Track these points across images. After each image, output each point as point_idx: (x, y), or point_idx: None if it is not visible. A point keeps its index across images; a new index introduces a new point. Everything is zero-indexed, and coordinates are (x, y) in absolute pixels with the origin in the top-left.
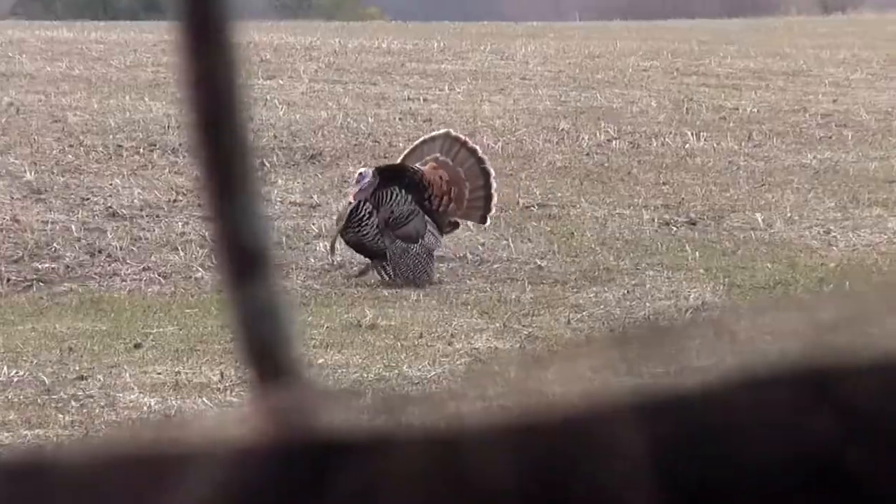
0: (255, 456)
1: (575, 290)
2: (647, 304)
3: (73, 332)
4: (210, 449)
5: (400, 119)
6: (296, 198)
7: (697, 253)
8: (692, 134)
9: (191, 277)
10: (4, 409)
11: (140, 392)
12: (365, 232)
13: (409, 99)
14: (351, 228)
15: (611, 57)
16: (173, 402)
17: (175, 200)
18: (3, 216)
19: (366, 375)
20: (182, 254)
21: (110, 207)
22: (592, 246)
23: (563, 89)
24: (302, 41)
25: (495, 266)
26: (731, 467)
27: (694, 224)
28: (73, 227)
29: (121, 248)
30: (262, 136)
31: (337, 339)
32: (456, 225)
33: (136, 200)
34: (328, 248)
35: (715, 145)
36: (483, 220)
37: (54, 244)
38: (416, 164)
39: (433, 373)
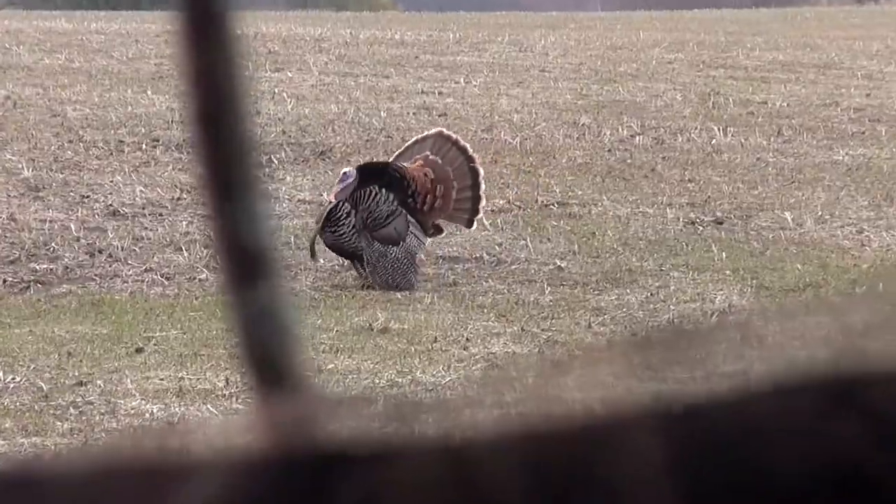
0: (258, 465)
1: (596, 292)
2: (672, 307)
3: (72, 335)
4: (212, 458)
5: (414, 114)
6: (305, 195)
7: (724, 253)
8: (719, 129)
9: (195, 279)
10: (0, 417)
11: (142, 399)
12: (341, 232)
13: (423, 92)
14: (328, 229)
15: (634, 49)
16: (177, 409)
17: (179, 198)
18: None
19: (377, 381)
20: (186, 254)
21: (111, 206)
22: (614, 246)
23: (584, 82)
24: (311, 32)
25: (513, 267)
26: (754, 474)
27: (720, 223)
28: (72, 226)
29: (122, 249)
30: (269, 131)
31: (347, 343)
32: (440, 229)
33: (138, 198)
34: (308, 249)
35: (742, 141)
36: (469, 224)
37: (53, 244)
38: (406, 163)
39: (448, 378)
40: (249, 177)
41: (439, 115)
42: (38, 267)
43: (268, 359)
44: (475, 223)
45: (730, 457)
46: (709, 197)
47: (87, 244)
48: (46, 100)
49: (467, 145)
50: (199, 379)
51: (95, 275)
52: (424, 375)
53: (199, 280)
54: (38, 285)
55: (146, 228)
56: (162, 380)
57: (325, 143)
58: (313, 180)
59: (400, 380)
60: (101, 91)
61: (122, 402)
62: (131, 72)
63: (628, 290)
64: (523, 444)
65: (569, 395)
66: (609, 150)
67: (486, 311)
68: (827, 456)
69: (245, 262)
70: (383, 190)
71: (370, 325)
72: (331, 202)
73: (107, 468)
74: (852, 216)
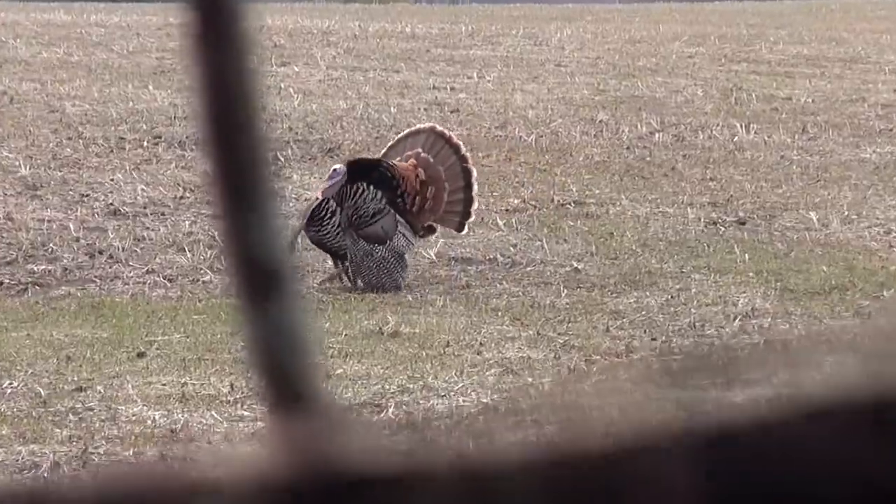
0: (273, 488)
1: (614, 294)
2: (693, 311)
3: (72, 339)
4: (226, 481)
5: (425, 109)
6: (312, 194)
7: (747, 255)
8: (741, 126)
9: (198, 281)
10: None
11: (143, 405)
12: (325, 231)
13: (434, 87)
14: (312, 226)
15: (653, 42)
16: (179, 415)
17: (181, 197)
18: None
19: (387, 387)
20: (189, 255)
21: (111, 205)
22: (633, 247)
23: (602, 77)
24: (319, 25)
25: (528, 269)
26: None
27: (743, 224)
28: (71, 226)
29: (123, 249)
30: (276, 128)
31: (357, 347)
32: (432, 230)
33: (139, 197)
34: (288, 244)
35: (766, 138)
36: (460, 228)
37: (51, 244)
38: (396, 160)
39: (461, 384)
40: (264, 187)
41: (451, 111)
42: (35, 268)
43: (283, 376)
44: (466, 227)
45: (762, 485)
46: (731, 196)
47: (87, 245)
48: (44, 95)
49: (460, 143)
50: (202, 384)
51: (95, 276)
52: (436, 381)
53: (203, 282)
54: (36, 287)
55: (148, 228)
56: (164, 385)
57: (333, 141)
58: (321, 178)
59: (411, 385)
60: (100, 86)
61: (122, 408)
62: (132, 66)
63: (648, 293)
64: (546, 469)
65: (593, 414)
66: (627, 148)
67: (500, 314)
68: (862, 480)
69: (259, 277)
70: (371, 187)
71: (380, 328)
72: (317, 199)
73: (115, 495)
74: (880, 216)
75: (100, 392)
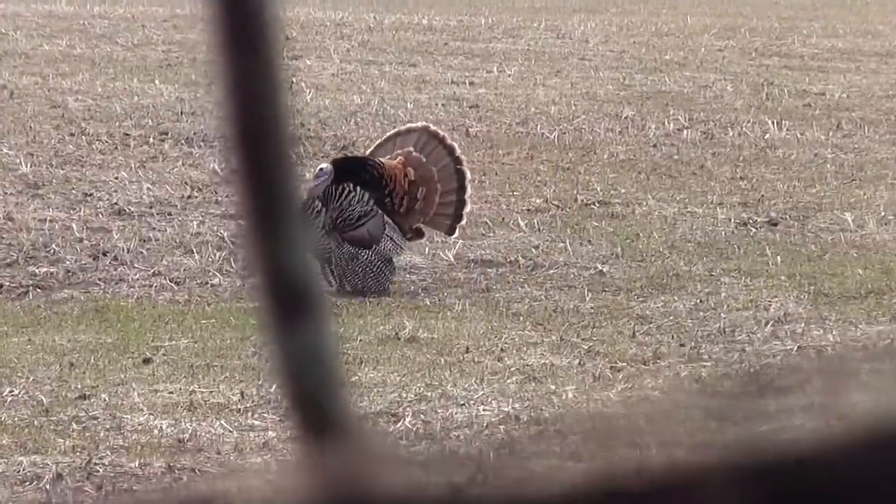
0: None
1: (641, 298)
2: (723, 316)
3: (75, 345)
4: None
5: (443, 105)
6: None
7: (779, 257)
8: (773, 122)
9: (207, 284)
10: None
11: (150, 413)
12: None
13: (452, 82)
14: None
15: (681, 35)
16: (187, 424)
17: (189, 197)
18: None
19: (405, 395)
20: (197, 257)
21: (116, 204)
22: (660, 249)
23: (627, 72)
24: (332, 16)
25: (551, 271)
26: None
27: (775, 224)
28: (74, 226)
29: (128, 251)
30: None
31: (372, 353)
32: (421, 233)
33: (144, 196)
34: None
35: (799, 135)
36: (451, 231)
37: (53, 245)
38: (385, 158)
39: (481, 392)
40: (293, 206)
41: (470, 107)
42: (37, 270)
43: (314, 402)
44: (458, 230)
45: None
46: (762, 196)
47: (91, 246)
48: (46, 89)
49: (455, 144)
50: (211, 392)
51: (99, 279)
52: (455, 389)
53: (212, 285)
54: (38, 290)
55: (154, 229)
56: (171, 393)
57: (346, 137)
58: None
59: (429, 393)
60: (104, 80)
61: (128, 416)
62: (137, 59)
63: (675, 297)
64: (592, 501)
65: (640, 441)
66: (654, 146)
67: (521, 319)
68: None
69: (290, 299)
70: (358, 188)
71: (397, 333)
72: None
73: None
74: None
75: (104, 400)
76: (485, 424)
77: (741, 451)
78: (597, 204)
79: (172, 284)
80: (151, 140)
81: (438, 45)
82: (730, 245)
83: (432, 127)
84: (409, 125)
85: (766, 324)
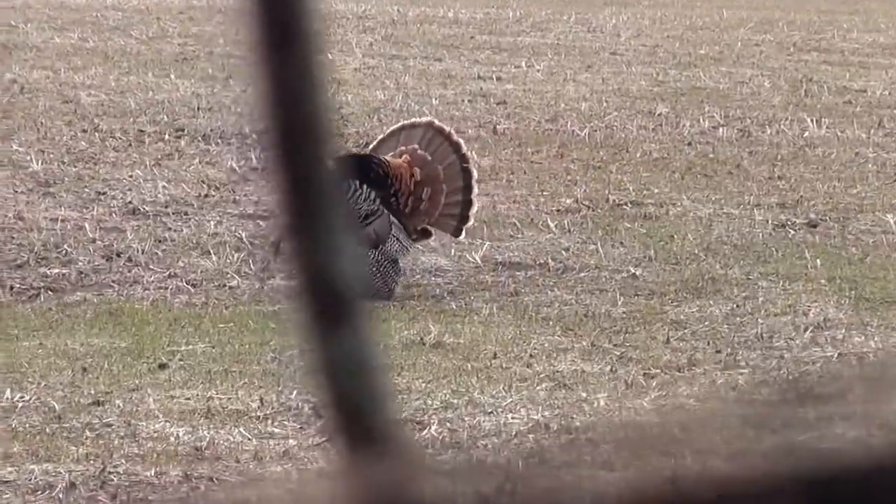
0: None
1: (675, 303)
2: (760, 321)
3: (88, 349)
4: None
5: (469, 101)
6: None
7: (818, 260)
8: (812, 120)
9: (224, 286)
10: (8, 440)
11: (166, 420)
12: None
13: (479, 77)
14: None
15: (716, 29)
16: (205, 432)
17: (206, 195)
18: (5, 213)
19: (430, 402)
20: (214, 258)
21: (130, 203)
22: (695, 251)
23: (661, 67)
24: (354, 9)
25: (581, 274)
26: None
27: (814, 226)
28: (87, 226)
29: (143, 251)
30: None
31: (396, 359)
32: (427, 234)
33: (160, 195)
34: (272, 250)
35: (839, 133)
36: (457, 233)
37: (65, 246)
38: (389, 155)
39: (509, 400)
40: (335, 210)
41: (497, 103)
42: (48, 272)
43: (354, 409)
44: (464, 232)
45: None
46: (801, 196)
47: (104, 246)
48: (57, 84)
49: (461, 141)
50: (229, 399)
51: (113, 281)
52: (483, 396)
53: (230, 287)
54: (49, 292)
55: (170, 229)
56: (188, 399)
57: (369, 134)
58: None
59: (455, 401)
60: (118, 74)
61: (143, 423)
62: (152, 53)
63: (711, 301)
64: None
65: (674, 451)
66: (689, 144)
67: (551, 324)
68: None
69: (330, 304)
70: (364, 186)
71: (421, 338)
72: None
73: None
74: None
75: (118, 406)
76: (513, 433)
77: (780, 461)
78: (629, 204)
79: (189, 287)
80: (167, 137)
81: (465, 38)
82: (767, 248)
83: (437, 122)
84: (413, 120)
85: (806, 329)
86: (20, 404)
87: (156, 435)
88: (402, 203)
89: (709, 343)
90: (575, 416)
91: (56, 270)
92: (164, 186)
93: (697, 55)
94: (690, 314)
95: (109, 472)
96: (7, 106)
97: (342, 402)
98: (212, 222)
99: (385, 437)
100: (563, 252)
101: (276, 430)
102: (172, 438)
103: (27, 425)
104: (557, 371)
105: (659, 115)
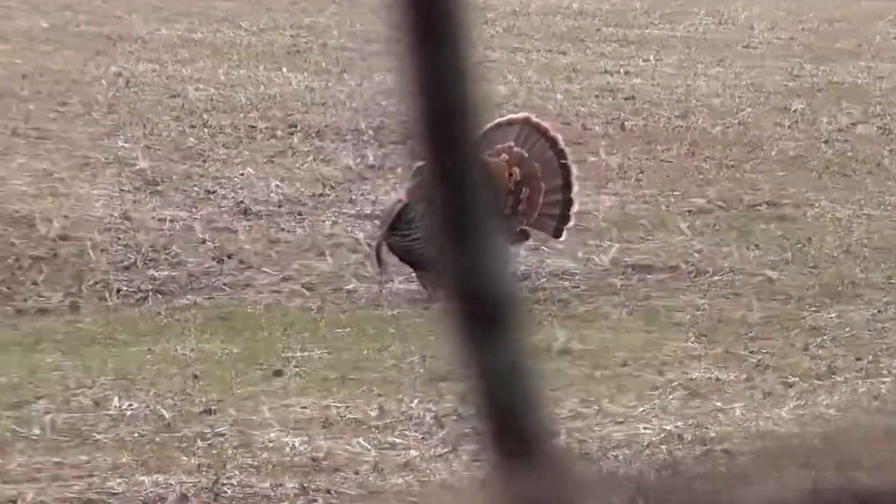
0: None
1: (813, 308)
2: None
3: (199, 355)
4: None
5: (596, 96)
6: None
7: None
8: None
9: (341, 289)
10: (116, 450)
11: (281, 430)
12: (414, 237)
13: (606, 71)
14: (398, 232)
15: (854, 21)
16: (322, 442)
17: (321, 194)
18: (111, 213)
19: (558, 412)
20: (330, 260)
21: (241, 203)
22: (834, 254)
23: (796, 61)
24: (475, 0)
25: (715, 278)
26: None
27: None
28: (196, 226)
29: (255, 253)
30: None
31: None
32: (525, 236)
33: (272, 194)
34: (372, 255)
35: None
36: (557, 233)
37: (174, 247)
38: (486, 154)
39: (640, 409)
40: (489, 211)
41: (625, 99)
42: (157, 274)
43: (511, 423)
44: (564, 232)
45: None
46: None
47: (214, 247)
48: (164, 78)
49: (558, 136)
50: (347, 407)
51: (224, 284)
52: (612, 405)
53: (347, 291)
54: (158, 296)
55: (283, 229)
56: (304, 408)
57: None
58: None
59: (584, 410)
60: (227, 67)
61: (257, 433)
62: (263, 45)
63: (851, 306)
64: None
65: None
66: (826, 142)
67: (683, 329)
68: None
69: (486, 310)
70: None
71: (548, 345)
72: (400, 201)
73: None
74: None
75: (231, 415)
76: (645, 444)
77: None
78: (764, 205)
79: (304, 290)
80: (279, 133)
81: (590, 31)
82: None
83: (534, 118)
84: (508, 116)
85: None
86: (128, 413)
87: (271, 445)
88: (502, 205)
89: (849, 350)
90: (709, 426)
91: (164, 273)
92: (276, 185)
93: (834, 49)
94: (829, 320)
95: (222, 484)
96: (112, 100)
97: (496, 409)
98: (328, 223)
99: (539, 447)
100: (696, 254)
101: (397, 441)
102: (288, 449)
103: (136, 435)
104: (691, 379)
105: (795, 111)
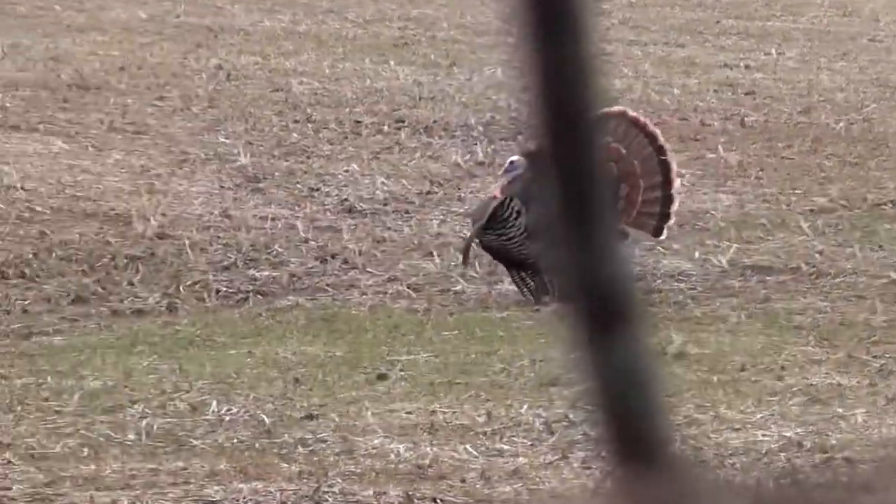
0: None
1: None
2: None
3: (301, 358)
4: None
5: (715, 91)
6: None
7: None
8: None
9: (448, 291)
10: (214, 456)
11: (385, 436)
12: (510, 235)
13: (725, 65)
14: (493, 230)
15: None
16: (427, 448)
17: (429, 192)
18: (211, 210)
19: (673, 417)
20: (438, 260)
21: (346, 200)
22: None
23: None
24: None
25: (837, 280)
26: None
27: None
28: (299, 225)
29: (360, 253)
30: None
31: None
32: (624, 234)
33: (378, 192)
34: (461, 254)
35: None
36: (658, 232)
37: (276, 247)
38: None
39: (759, 415)
40: (609, 208)
41: (745, 93)
42: (258, 274)
43: (631, 425)
44: (665, 230)
45: None
46: None
47: (318, 247)
48: (266, 71)
49: (657, 131)
50: (454, 413)
51: (328, 284)
52: (730, 411)
53: (454, 292)
54: (259, 297)
55: (389, 228)
56: (409, 413)
57: None
58: None
59: (700, 416)
60: (332, 60)
61: (361, 439)
62: (369, 37)
63: None
64: None
65: None
66: None
67: (804, 333)
68: None
69: (605, 309)
70: None
71: (663, 348)
72: (495, 198)
73: None
74: None
75: (334, 420)
76: (763, 451)
77: None
78: (889, 204)
79: (410, 291)
80: (386, 128)
81: (709, 23)
82: None
83: (631, 112)
84: (605, 110)
85: None
86: (227, 418)
87: (374, 451)
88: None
89: None
90: (830, 433)
91: (266, 273)
92: (382, 182)
93: None
94: None
95: (324, 492)
96: (213, 94)
97: (615, 413)
98: (435, 222)
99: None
100: (817, 255)
101: (505, 447)
102: (392, 455)
103: (235, 440)
104: (811, 384)
105: None
